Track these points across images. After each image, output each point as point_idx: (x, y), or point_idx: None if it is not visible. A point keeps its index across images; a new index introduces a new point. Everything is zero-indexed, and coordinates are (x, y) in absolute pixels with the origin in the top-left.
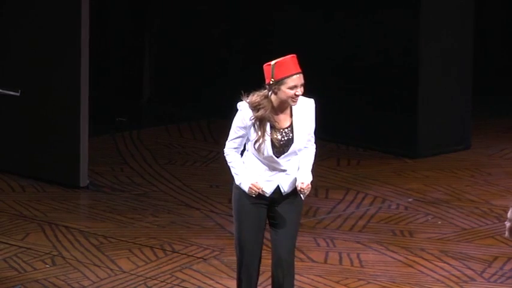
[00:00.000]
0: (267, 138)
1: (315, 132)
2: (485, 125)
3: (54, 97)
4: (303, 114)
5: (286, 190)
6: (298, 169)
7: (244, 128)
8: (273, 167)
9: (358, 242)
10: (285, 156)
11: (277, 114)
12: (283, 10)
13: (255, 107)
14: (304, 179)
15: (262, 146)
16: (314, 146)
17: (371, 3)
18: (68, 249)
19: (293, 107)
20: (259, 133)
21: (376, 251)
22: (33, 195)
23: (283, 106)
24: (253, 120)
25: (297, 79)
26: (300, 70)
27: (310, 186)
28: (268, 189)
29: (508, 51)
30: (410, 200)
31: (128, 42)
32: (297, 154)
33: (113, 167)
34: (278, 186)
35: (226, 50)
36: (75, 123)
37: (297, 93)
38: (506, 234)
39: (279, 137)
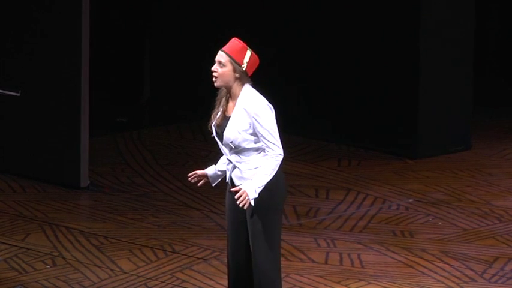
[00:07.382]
0: (214, 120)
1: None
2: (486, 126)
3: (54, 97)
4: (241, 111)
5: (237, 184)
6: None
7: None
8: (226, 156)
9: (358, 243)
10: (227, 145)
11: (230, 101)
12: (281, 8)
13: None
14: (243, 186)
15: (212, 125)
16: (273, 156)
17: (371, 3)
18: (69, 249)
19: (238, 99)
20: (214, 112)
21: (377, 251)
22: (33, 196)
23: (231, 93)
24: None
25: (217, 55)
26: (225, 49)
27: (243, 194)
28: (226, 177)
29: (509, 51)
30: (410, 200)
31: (128, 42)
32: (235, 148)
33: (113, 167)
34: (231, 178)
35: None
36: (76, 124)
37: (212, 67)
38: None
39: (221, 122)
